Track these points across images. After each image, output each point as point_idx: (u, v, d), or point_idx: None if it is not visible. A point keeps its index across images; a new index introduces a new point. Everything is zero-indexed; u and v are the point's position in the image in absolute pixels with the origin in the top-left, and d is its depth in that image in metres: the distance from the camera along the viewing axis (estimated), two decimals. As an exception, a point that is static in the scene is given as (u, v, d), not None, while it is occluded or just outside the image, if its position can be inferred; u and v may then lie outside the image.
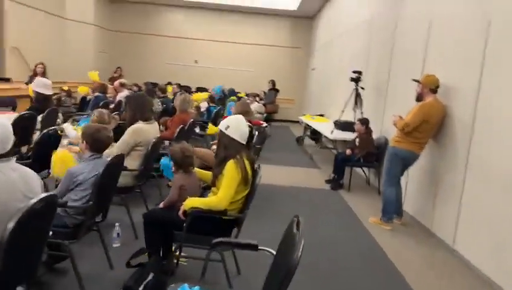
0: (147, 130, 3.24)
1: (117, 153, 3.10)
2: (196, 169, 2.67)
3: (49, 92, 4.73)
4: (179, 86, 9.65)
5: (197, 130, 6.68)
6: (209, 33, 13.53)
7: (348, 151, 5.47)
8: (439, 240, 3.71)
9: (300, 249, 1.25)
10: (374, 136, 5.41)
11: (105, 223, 3.21)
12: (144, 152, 3.17)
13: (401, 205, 4.23)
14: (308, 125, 8.60)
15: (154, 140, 3.21)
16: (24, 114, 4.07)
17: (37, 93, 4.71)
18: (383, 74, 5.68)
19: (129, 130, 3.19)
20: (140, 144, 3.19)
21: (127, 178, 3.14)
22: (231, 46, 13.58)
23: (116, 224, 3.04)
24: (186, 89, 10.36)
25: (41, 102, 4.66)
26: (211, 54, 13.64)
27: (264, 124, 6.27)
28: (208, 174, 2.65)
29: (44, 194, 1.58)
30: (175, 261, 2.60)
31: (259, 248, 1.77)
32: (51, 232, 1.80)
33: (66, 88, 7.74)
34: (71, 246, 2.26)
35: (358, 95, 6.16)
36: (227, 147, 2.43)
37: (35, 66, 7.45)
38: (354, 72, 6.20)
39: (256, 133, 4.29)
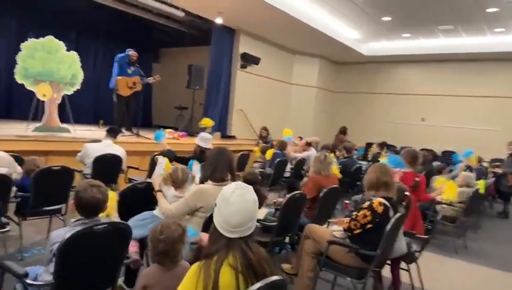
0: (212, 194, 2.64)
1: (175, 214, 2.68)
2: None
3: (205, 146, 4.93)
4: (382, 145, 8.50)
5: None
6: (439, 87, 11.66)
7: None
8: None
9: None
10: None
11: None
12: (204, 220, 2.60)
13: None
14: None
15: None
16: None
17: (196, 145, 5.02)
18: None
19: (192, 189, 2.70)
20: (201, 210, 2.64)
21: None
22: (466, 100, 11.14)
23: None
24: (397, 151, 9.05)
25: (197, 153, 4.94)
26: (441, 110, 11.63)
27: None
28: None
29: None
30: None
31: None
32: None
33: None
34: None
35: None
36: (211, 240, 1.57)
37: (261, 131, 8.91)
38: None
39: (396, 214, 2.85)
